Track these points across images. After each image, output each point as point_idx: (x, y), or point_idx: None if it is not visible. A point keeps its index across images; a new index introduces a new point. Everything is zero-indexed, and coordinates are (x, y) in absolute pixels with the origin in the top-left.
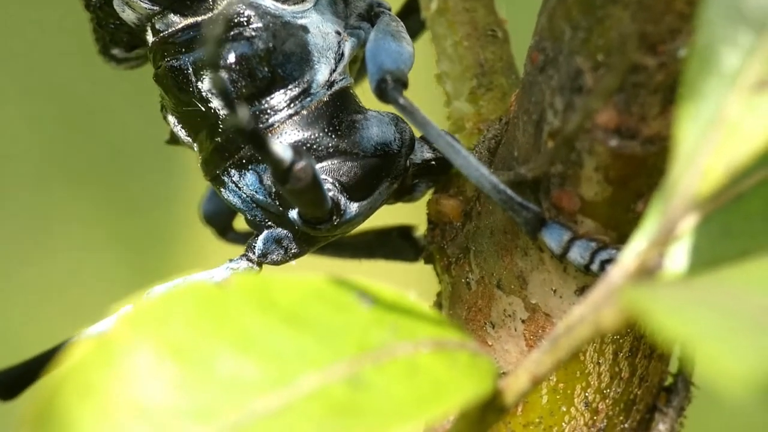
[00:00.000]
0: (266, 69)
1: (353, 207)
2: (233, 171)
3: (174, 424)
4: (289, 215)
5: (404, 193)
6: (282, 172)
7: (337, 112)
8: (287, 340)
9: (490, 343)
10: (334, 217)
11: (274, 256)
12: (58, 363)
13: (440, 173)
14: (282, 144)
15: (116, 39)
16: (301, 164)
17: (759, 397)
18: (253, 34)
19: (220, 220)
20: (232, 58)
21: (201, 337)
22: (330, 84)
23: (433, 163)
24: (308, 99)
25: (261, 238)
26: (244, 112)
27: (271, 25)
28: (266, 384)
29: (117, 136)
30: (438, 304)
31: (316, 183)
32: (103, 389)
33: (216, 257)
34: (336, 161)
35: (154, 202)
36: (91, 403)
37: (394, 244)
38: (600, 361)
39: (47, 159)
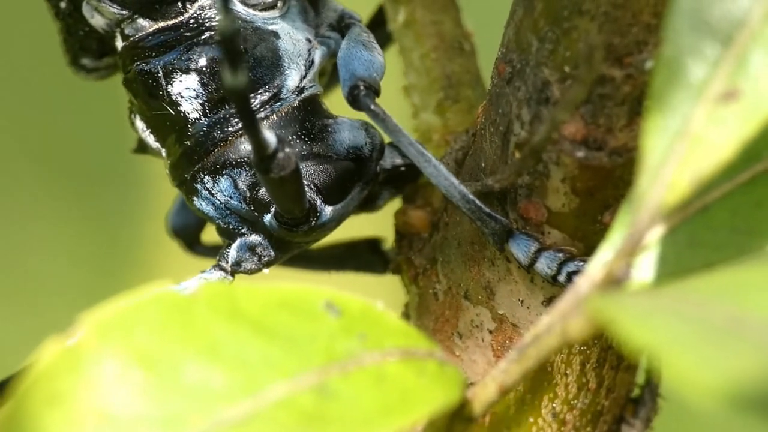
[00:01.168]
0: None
1: (328, 210)
2: (206, 177)
3: None
4: (264, 220)
5: (367, 202)
6: (266, 158)
7: (308, 117)
8: (255, 349)
9: (457, 354)
10: (311, 219)
11: (248, 265)
12: (26, 371)
13: (407, 181)
14: (268, 131)
15: (85, 47)
16: (284, 152)
17: (726, 406)
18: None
19: (188, 233)
20: (203, 61)
21: (168, 345)
22: (300, 90)
23: (403, 169)
24: (278, 103)
25: (234, 246)
26: (242, 77)
27: (242, 29)
28: (233, 392)
29: (83, 144)
30: (405, 315)
31: (297, 174)
32: (70, 397)
33: (183, 270)
34: (310, 164)
35: (120, 212)
36: (58, 410)
37: (364, 257)
38: (567, 372)
39: (13, 162)
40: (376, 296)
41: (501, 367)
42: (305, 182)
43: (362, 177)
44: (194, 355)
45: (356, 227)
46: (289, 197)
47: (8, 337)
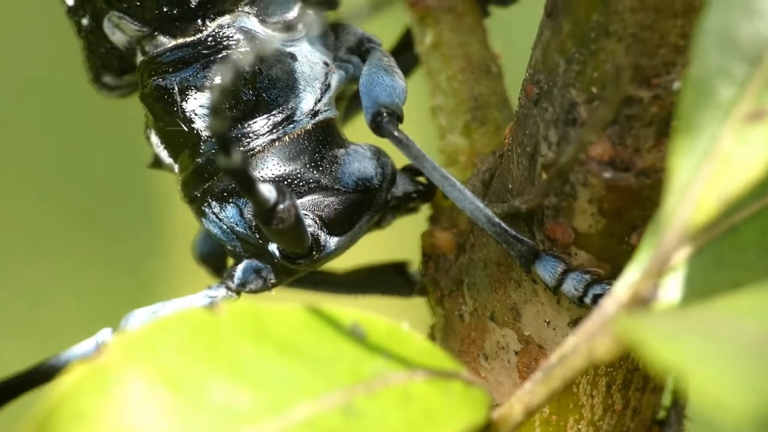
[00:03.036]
0: (251, 93)
1: (332, 241)
2: (214, 203)
3: None
4: (269, 248)
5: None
6: (266, 213)
7: (320, 144)
8: (280, 369)
9: (483, 375)
10: (314, 253)
11: (253, 286)
12: (47, 386)
13: (418, 203)
14: (267, 185)
15: (107, 64)
16: (284, 205)
17: (754, 427)
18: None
19: (214, 259)
20: (218, 80)
21: (194, 364)
22: (314, 113)
23: (414, 195)
24: (291, 126)
25: (240, 267)
26: (237, 156)
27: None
28: (259, 412)
29: (92, 160)
30: (431, 337)
31: (298, 223)
32: (96, 416)
33: (187, 283)
34: (317, 197)
35: (127, 227)
36: (84, 429)
37: (389, 280)
38: (593, 394)
39: (19, 175)
40: (402, 318)
41: (527, 388)
42: (311, 216)
43: (371, 208)
44: (220, 375)
45: (382, 250)
46: (290, 242)
47: (9, 348)
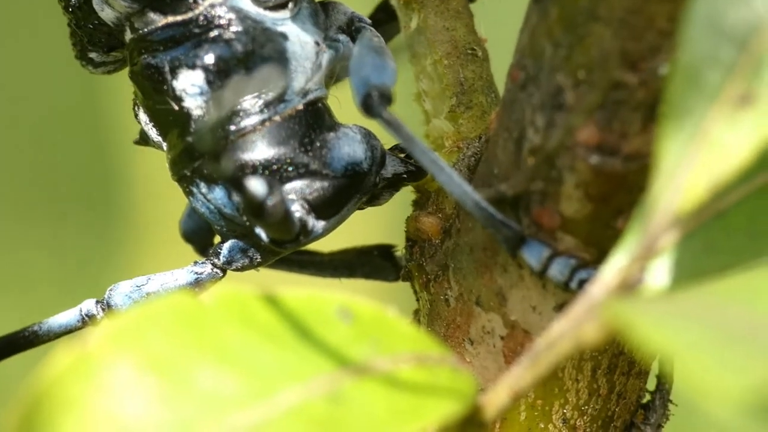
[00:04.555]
0: (243, 72)
1: (320, 225)
2: (202, 183)
3: None
4: (255, 231)
5: (370, 200)
6: (255, 208)
7: (310, 127)
8: (267, 355)
9: (468, 360)
10: (301, 237)
11: (239, 264)
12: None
13: (409, 182)
14: (256, 180)
15: (94, 40)
16: (273, 200)
17: (742, 412)
18: (233, 36)
19: (200, 236)
20: (209, 58)
21: (181, 351)
22: (305, 93)
23: (404, 176)
24: (282, 105)
25: (226, 246)
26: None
27: (251, 29)
28: (246, 398)
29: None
30: (416, 322)
31: (286, 216)
32: (83, 403)
33: (160, 259)
34: (306, 181)
35: (94, 199)
36: (72, 416)
37: (375, 264)
38: (578, 378)
39: None
40: (387, 303)
41: (513, 373)
42: (299, 201)
43: (359, 191)
44: (207, 361)
45: (367, 234)
46: (278, 232)
47: None
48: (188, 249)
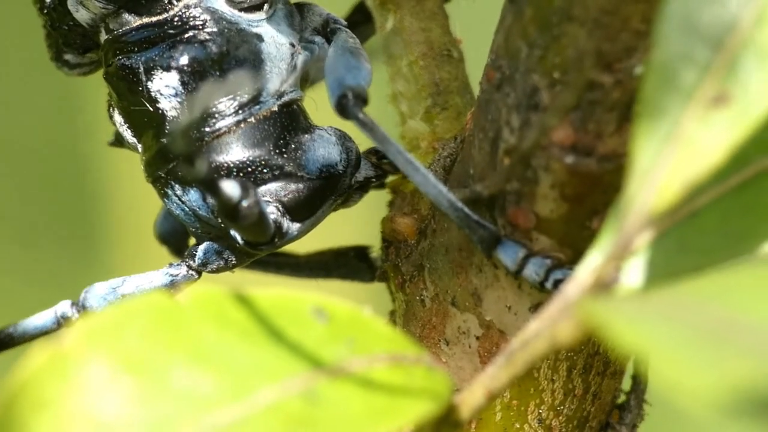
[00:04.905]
0: (217, 73)
1: (295, 227)
2: (176, 185)
3: None
4: (231, 232)
5: (342, 202)
6: (229, 210)
7: (285, 129)
8: (243, 354)
9: (444, 360)
10: (276, 239)
11: (214, 266)
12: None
13: (379, 183)
14: (230, 182)
15: (69, 42)
16: (247, 202)
17: (717, 410)
18: (207, 37)
19: (175, 238)
20: (184, 59)
21: (156, 350)
22: (280, 94)
23: (374, 180)
24: (257, 107)
25: (202, 248)
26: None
27: (225, 30)
28: (222, 397)
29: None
30: (392, 323)
31: (261, 218)
32: (58, 402)
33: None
34: (281, 184)
35: (70, 202)
36: (46, 416)
37: (351, 265)
38: (554, 378)
39: None
40: (363, 304)
41: (489, 373)
42: (274, 203)
43: (334, 192)
44: (183, 360)
45: (343, 235)
46: (253, 234)
47: None
48: (163, 254)
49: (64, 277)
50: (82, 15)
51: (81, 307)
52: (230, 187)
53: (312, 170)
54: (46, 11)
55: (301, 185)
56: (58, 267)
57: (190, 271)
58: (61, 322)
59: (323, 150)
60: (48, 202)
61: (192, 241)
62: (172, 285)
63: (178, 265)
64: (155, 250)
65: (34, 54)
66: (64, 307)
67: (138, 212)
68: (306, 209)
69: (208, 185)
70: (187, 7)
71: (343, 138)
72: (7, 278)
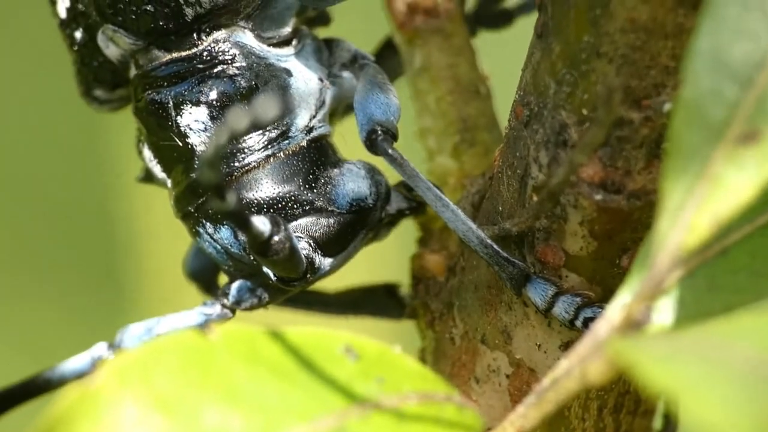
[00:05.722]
0: (246, 108)
1: (327, 263)
2: (207, 223)
3: None
4: (263, 269)
5: (372, 237)
6: (260, 245)
7: (314, 163)
8: (274, 392)
9: (474, 399)
10: (308, 275)
11: (248, 304)
12: (41, 401)
13: (410, 216)
14: (260, 217)
15: (99, 78)
16: (278, 237)
17: None
18: (237, 72)
19: (204, 276)
20: (213, 94)
21: (187, 388)
22: (309, 129)
23: (407, 212)
24: (286, 142)
25: (235, 286)
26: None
27: (254, 65)
28: None
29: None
30: (422, 360)
31: (293, 253)
32: None
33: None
34: (311, 219)
35: (96, 248)
36: None
37: (380, 302)
38: (584, 417)
39: None
40: (392, 341)
41: (519, 411)
42: (305, 238)
43: (365, 226)
44: (213, 399)
45: (372, 272)
46: (285, 270)
47: None
48: (192, 295)
49: (91, 316)
50: (112, 51)
51: (117, 349)
52: (261, 222)
53: (342, 204)
54: (76, 48)
55: (331, 220)
56: (84, 306)
57: (224, 310)
58: (98, 365)
59: (353, 184)
60: (73, 239)
61: (222, 278)
62: (207, 324)
63: (212, 303)
64: (183, 288)
65: (63, 91)
66: (100, 348)
67: (168, 248)
68: (337, 244)
69: (238, 220)
70: (216, 42)
71: (373, 171)
72: (35, 317)
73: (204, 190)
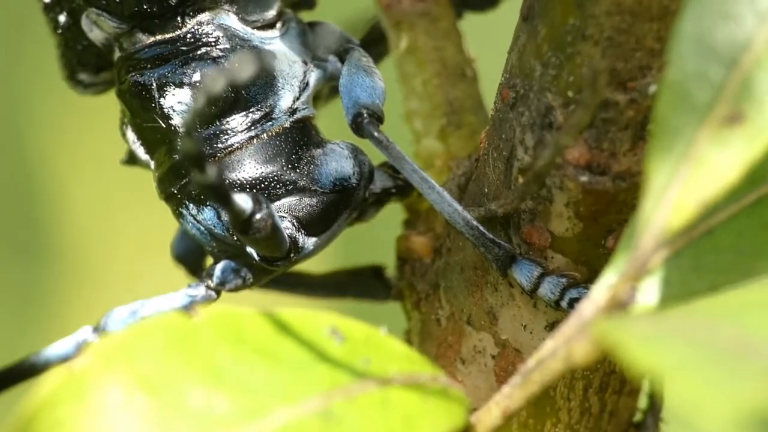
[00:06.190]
0: (230, 89)
1: (311, 242)
2: (191, 204)
3: None
4: (247, 250)
5: (357, 216)
6: (242, 223)
7: (297, 144)
8: (259, 374)
9: (460, 379)
10: (292, 255)
11: (232, 285)
12: (25, 385)
13: (398, 197)
14: (242, 195)
15: (83, 61)
16: (260, 214)
17: (733, 429)
18: (220, 54)
19: (191, 259)
20: (197, 76)
21: (172, 370)
22: (293, 111)
23: (393, 191)
24: (270, 123)
25: (219, 267)
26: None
27: (238, 47)
28: (238, 417)
29: None
30: (407, 342)
31: (275, 231)
32: (74, 424)
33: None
34: (294, 198)
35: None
36: None
37: (366, 284)
38: (570, 397)
39: None
40: (378, 323)
41: (505, 392)
42: (288, 218)
43: (348, 206)
44: (198, 380)
45: (357, 254)
46: (268, 248)
47: None
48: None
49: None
50: (96, 35)
51: (102, 332)
52: (242, 200)
53: (325, 184)
54: (60, 31)
55: (315, 199)
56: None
57: (209, 291)
58: (82, 348)
59: (336, 164)
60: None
61: (209, 260)
62: (191, 305)
63: (197, 285)
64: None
65: None
66: (85, 333)
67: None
68: (321, 223)
69: (220, 195)
70: (200, 24)
71: (356, 151)
72: None
73: (183, 159)
